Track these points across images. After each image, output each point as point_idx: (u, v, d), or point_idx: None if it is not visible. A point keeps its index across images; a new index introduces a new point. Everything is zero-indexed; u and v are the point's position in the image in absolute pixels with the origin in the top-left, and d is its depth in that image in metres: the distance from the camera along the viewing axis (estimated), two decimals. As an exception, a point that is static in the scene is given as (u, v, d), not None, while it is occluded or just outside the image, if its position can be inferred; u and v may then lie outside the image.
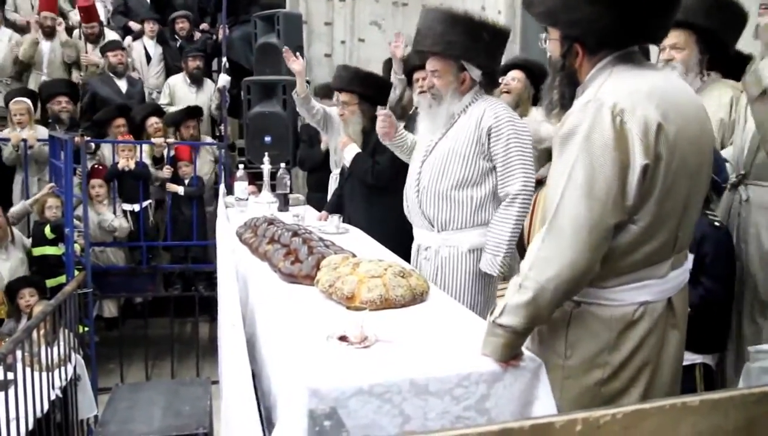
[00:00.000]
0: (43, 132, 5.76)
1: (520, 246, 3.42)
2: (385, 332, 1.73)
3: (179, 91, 6.57)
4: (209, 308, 5.75)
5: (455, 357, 1.58)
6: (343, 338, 1.68)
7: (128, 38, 6.83)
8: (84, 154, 5.17)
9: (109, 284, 5.67)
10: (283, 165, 4.17)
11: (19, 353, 3.50)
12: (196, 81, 6.56)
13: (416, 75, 3.70)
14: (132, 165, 5.63)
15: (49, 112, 5.97)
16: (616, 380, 1.64)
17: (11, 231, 4.98)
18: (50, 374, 3.82)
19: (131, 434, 3.27)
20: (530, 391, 1.57)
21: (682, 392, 1.87)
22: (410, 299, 2.01)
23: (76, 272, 4.94)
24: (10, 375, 3.38)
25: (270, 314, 2.02)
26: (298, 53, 4.24)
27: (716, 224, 2.49)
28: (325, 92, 5.26)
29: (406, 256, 2.92)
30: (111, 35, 6.72)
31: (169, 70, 6.91)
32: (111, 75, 6.32)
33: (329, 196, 4.22)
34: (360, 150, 3.61)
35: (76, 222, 5.11)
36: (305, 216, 3.56)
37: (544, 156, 3.48)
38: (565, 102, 1.70)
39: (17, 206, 5.34)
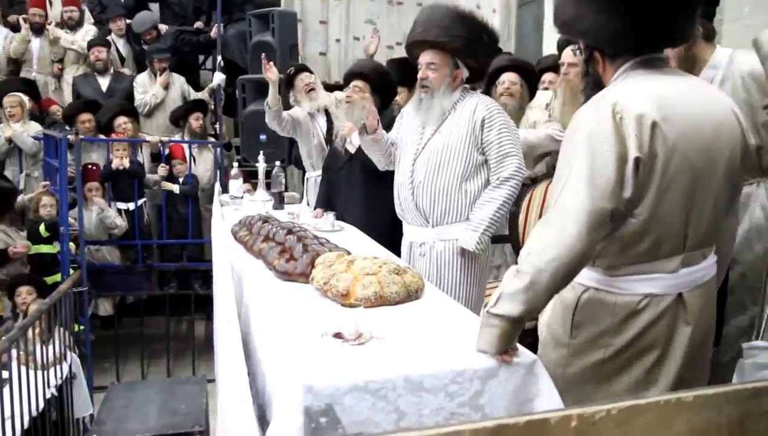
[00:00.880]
0: (35, 127, 5.75)
1: (515, 244, 3.43)
2: (380, 329, 1.74)
3: (148, 88, 6.46)
4: (205, 306, 5.73)
5: (450, 354, 1.59)
6: (338, 335, 1.68)
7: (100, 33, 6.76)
8: (78, 152, 5.16)
9: (104, 283, 5.65)
10: (278, 163, 4.17)
11: (14, 352, 3.49)
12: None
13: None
14: (126, 164, 5.62)
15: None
16: (616, 360, 1.74)
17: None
18: (45, 372, 3.81)
19: (127, 432, 3.26)
20: (527, 387, 1.58)
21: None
22: (405, 296, 2.01)
23: (72, 271, 4.93)
24: (5, 374, 3.37)
25: (265, 312, 2.02)
26: (271, 62, 4.32)
27: None
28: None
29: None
30: (93, 31, 6.68)
31: (142, 70, 6.76)
32: (93, 73, 6.31)
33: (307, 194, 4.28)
34: None
35: (71, 220, 5.11)
36: (300, 214, 3.56)
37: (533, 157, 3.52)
38: None
39: (17, 201, 5.33)
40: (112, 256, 5.81)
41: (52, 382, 3.90)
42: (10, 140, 5.58)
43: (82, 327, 4.94)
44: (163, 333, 5.57)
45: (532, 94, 3.80)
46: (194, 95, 6.56)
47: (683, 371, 1.73)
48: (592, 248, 1.57)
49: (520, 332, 1.59)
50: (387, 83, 3.83)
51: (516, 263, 1.62)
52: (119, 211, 5.72)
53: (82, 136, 5.35)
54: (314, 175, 4.48)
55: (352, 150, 3.59)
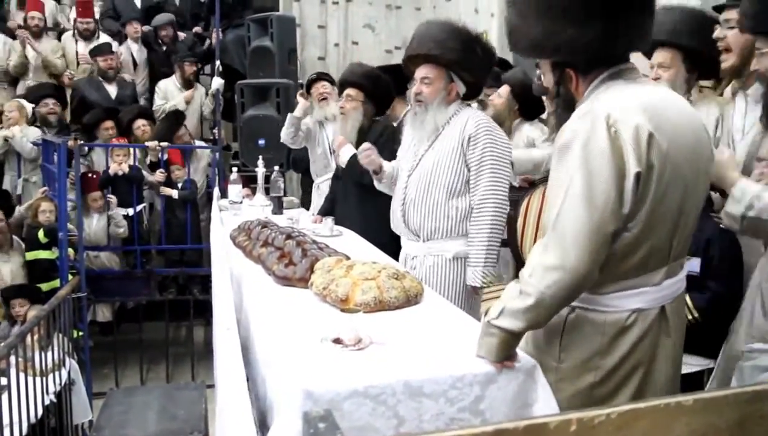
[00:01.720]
0: (34, 133, 5.76)
1: (514, 250, 3.42)
2: (380, 334, 1.73)
3: (169, 95, 6.53)
4: (204, 311, 5.71)
5: (449, 359, 1.58)
6: (337, 341, 1.67)
7: (114, 43, 6.75)
8: (77, 157, 5.16)
9: (103, 288, 5.64)
10: (277, 168, 4.17)
11: (12, 358, 3.48)
12: (189, 85, 6.52)
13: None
14: (125, 168, 5.61)
15: (36, 115, 5.95)
16: (607, 382, 1.67)
17: (11, 236, 4.98)
18: (44, 378, 3.81)
19: (126, 438, 3.26)
20: (526, 393, 1.58)
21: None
22: (404, 301, 2.01)
23: (70, 276, 4.93)
24: (4, 381, 3.37)
25: (264, 317, 2.02)
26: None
27: (723, 226, 2.48)
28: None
29: (399, 258, 2.95)
30: (104, 38, 6.69)
31: (156, 76, 6.83)
32: (100, 79, 6.30)
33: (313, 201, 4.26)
34: (356, 151, 3.60)
35: (69, 226, 5.11)
36: (299, 219, 3.56)
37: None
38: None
39: (15, 214, 5.33)
40: (111, 261, 5.81)
41: (51, 388, 3.90)
42: (6, 139, 5.59)
43: (80, 333, 4.94)
44: (162, 339, 5.56)
45: (533, 109, 3.77)
46: (209, 108, 6.61)
47: (668, 386, 1.71)
48: (595, 269, 1.53)
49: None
50: (381, 88, 3.79)
51: (515, 264, 1.61)
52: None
53: (81, 142, 5.36)
54: (318, 182, 4.47)
55: (342, 164, 3.59)
